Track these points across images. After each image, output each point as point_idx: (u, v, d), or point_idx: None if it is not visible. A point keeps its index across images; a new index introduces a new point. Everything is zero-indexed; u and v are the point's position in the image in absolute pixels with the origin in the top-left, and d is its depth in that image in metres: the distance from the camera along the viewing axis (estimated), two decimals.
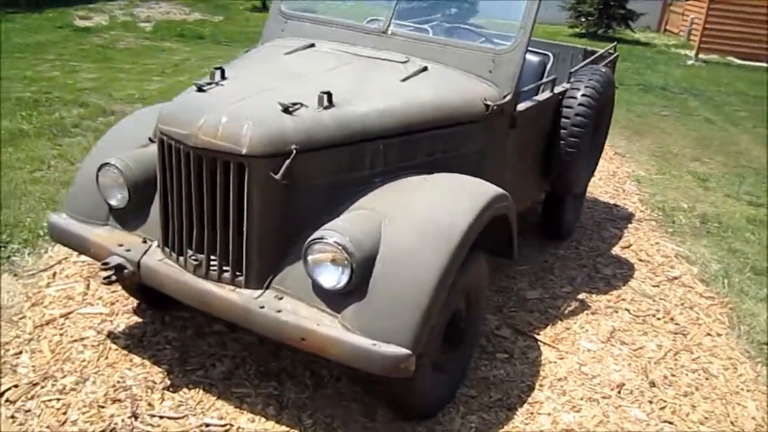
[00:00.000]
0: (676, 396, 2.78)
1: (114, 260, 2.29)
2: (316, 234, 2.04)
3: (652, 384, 2.84)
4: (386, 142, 2.34)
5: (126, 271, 2.28)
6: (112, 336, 2.82)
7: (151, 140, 2.43)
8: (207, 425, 2.35)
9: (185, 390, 2.52)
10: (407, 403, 2.36)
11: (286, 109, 2.13)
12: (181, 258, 2.27)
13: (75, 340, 2.78)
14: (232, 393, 2.52)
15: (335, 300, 2.08)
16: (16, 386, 2.47)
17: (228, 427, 2.35)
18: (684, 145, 7.28)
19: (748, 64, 13.26)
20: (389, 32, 2.96)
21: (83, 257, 3.43)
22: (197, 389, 2.53)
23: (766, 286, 3.89)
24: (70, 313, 2.98)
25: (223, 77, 2.38)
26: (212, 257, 2.21)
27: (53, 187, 4.32)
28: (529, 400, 2.65)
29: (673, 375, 2.93)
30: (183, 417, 2.38)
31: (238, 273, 2.18)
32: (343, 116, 2.24)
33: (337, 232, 2.02)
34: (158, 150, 2.22)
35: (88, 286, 3.21)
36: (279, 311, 2.07)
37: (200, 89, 2.27)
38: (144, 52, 9.50)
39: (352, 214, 2.18)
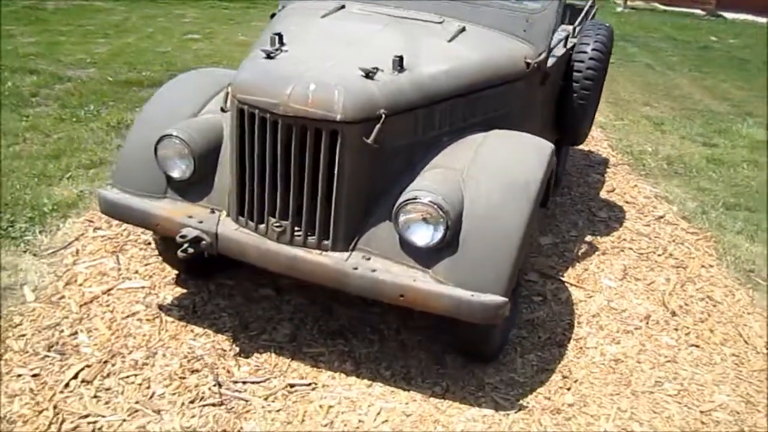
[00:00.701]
0: (695, 322, 3.09)
1: (190, 232, 2.28)
2: (408, 194, 2.12)
3: (673, 313, 3.13)
4: (452, 103, 2.43)
5: (203, 242, 2.29)
6: (164, 309, 2.81)
7: (223, 110, 2.39)
8: (292, 386, 2.42)
9: (257, 355, 2.57)
10: (480, 348, 2.52)
11: (368, 74, 2.17)
12: (261, 226, 2.29)
13: (128, 316, 2.75)
14: (304, 353, 2.60)
15: (424, 256, 2.18)
16: (88, 366, 2.44)
17: (313, 385, 2.43)
18: (632, 91, 7.69)
19: (671, 9, 13.95)
20: None
21: (101, 231, 3.37)
22: (268, 353, 2.59)
23: (740, 220, 4.28)
24: (110, 289, 2.93)
25: (281, 43, 2.36)
26: (296, 224, 2.25)
27: (40, 162, 4.11)
28: (574, 336, 2.88)
29: (686, 304, 3.24)
30: (265, 380, 2.44)
31: (323, 237, 2.23)
32: (418, 79, 2.30)
33: (431, 192, 2.11)
34: (236, 119, 2.20)
35: (118, 260, 3.15)
36: (374, 270, 2.16)
37: (269, 56, 2.26)
38: (77, 12, 8.93)
39: (433, 173, 2.27)
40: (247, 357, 2.56)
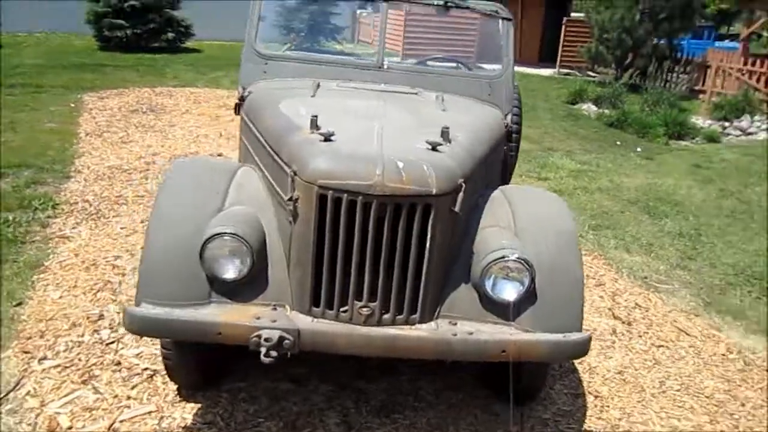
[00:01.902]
0: (647, 327, 3.60)
1: (273, 334, 2.10)
2: (493, 255, 2.23)
3: (629, 324, 3.62)
4: (484, 166, 2.60)
5: (286, 342, 2.12)
6: (192, 431, 2.48)
7: (292, 200, 2.21)
8: None
9: None
10: (538, 386, 2.67)
11: (434, 148, 2.25)
12: (344, 313, 2.19)
13: None
14: None
15: (505, 311, 2.29)
16: None
17: None
18: None
19: None
20: (385, 66, 3.14)
21: (50, 361, 2.87)
22: None
23: (610, 238, 5.06)
24: (112, 424, 2.50)
25: (317, 125, 2.33)
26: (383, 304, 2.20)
27: None
28: (575, 360, 3.17)
29: (629, 314, 3.76)
30: None
31: (411, 312, 2.22)
32: (467, 147, 2.43)
33: (515, 249, 2.24)
34: (316, 206, 2.10)
35: (96, 390, 2.69)
36: (471, 333, 2.21)
37: (327, 139, 2.22)
38: None
39: (491, 231, 2.40)
40: None
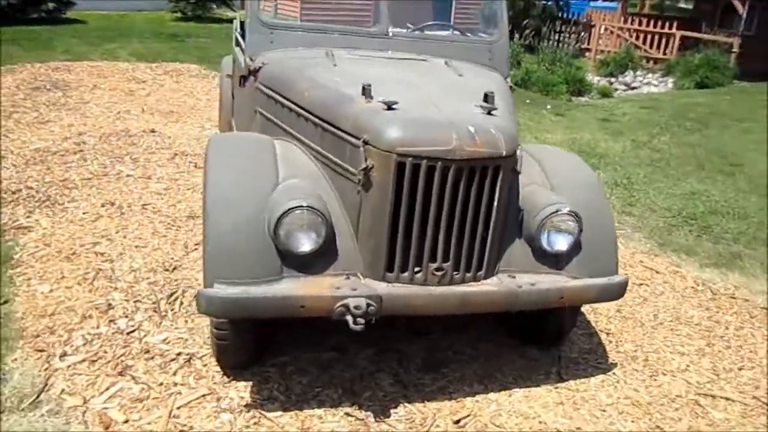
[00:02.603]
0: None
1: (360, 302, 2.14)
2: (548, 209, 2.39)
3: None
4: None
5: (371, 308, 2.17)
6: (255, 407, 2.47)
7: (366, 169, 2.19)
8: (457, 422, 2.46)
9: (395, 411, 2.50)
10: (568, 329, 2.89)
11: (489, 112, 2.35)
12: (418, 275, 2.27)
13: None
14: (429, 392, 2.62)
15: (552, 260, 2.48)
16: None
17: (474, 414, 2.51)
18: None
19: None
20: (390, 34, 3.16)
21: (72, 357, 2.72)
22: (402, 405, 2.54)
23: None
24: (171, 412, 2.43)
25: (369, 92, 2.35)
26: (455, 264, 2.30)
27: None
28: None
29: None
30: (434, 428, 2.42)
31: (478, 269, 2.34)
32: (509, 110, 2.55)
33: (565, 204, 2.41)
34: (394, 173, 2.14)
35: (135, 380, 2.59)
36: (533, 285, 2.37)
37: (390, 108, 2.24)
38: None
39: (534, 188, 2.55)
40: (388, 416, 2.47)
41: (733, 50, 12.60)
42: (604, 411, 2.60)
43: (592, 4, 18.61)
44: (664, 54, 13.43)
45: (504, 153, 2.22)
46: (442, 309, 2.31)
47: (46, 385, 2.54)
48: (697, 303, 3.56)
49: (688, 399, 2.73)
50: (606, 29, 14.08)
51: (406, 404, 2.54)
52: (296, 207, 2.15)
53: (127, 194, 4.47)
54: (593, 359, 2.92)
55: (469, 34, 3.45)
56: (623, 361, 2.93)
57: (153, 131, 6.16)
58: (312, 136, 2.51)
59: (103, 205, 4.27)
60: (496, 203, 2.28)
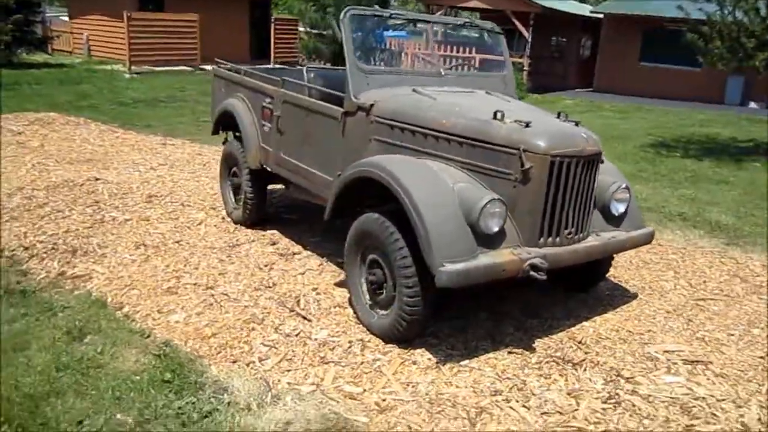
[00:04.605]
0: None
1: (541, 261, 3.04)
2: (616, 184, 3.51)
3: None
4: None
5: (544, 264, 3.08)
6: (448, 358, 3.21)
7: (526, 169, 3.05)
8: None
9: (538, 339, 3.41)
10: (596, 278, 4.03)
11: (576, 123, 3.40)
12: (557, 239, 3.23)
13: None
14: (542, 328, 3.58)
15: (614, 221, 3.61)
16: None
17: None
18: None
19: (172, 69, 15.47)
20: (443, 73, 4.06)
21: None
22: (534, 337, 3.45)
23: None
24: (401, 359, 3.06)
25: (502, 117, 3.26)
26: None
27: None
28: None
29: None
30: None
31: (584, 231, 3.38)
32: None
33: (621, 180, 3.57)
34: (547, 169, 3.07)
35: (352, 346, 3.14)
36: (613, 237, 3.47)
37: (527, 125, 3.18)
38: None
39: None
40: (534, 349, 3.38)
41: (525, 69, 15.31)
42: (652, 317, 3.80)
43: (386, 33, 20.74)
44: None
45: (600, 150, 3.31)
46: (578, 259, 3.27)
47: (268, 384, 2.97)
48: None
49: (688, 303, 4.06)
50: None
51: (537, 338, 3.47)
52: (490, 200, 3.00)
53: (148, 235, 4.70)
54: (608, 300, 4.10)
55: (492, 70, 4.50)
56: (637, 290, 4.19)
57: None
58: (457, 152, 3.32)
59: (137, 247, 4.46)
60: (595, 184, 3.35)
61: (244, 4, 19.41)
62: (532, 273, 3.01)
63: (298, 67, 5.23)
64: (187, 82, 14.43)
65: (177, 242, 4.61)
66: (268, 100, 4.50)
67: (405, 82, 3.87)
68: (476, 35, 4.57)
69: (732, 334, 3.61)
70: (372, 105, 3.62)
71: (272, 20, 18.29)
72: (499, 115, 3.24)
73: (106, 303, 3.64)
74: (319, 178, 4.04)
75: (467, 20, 4.50)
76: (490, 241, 3.05)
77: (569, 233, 3.25)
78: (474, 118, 3.32)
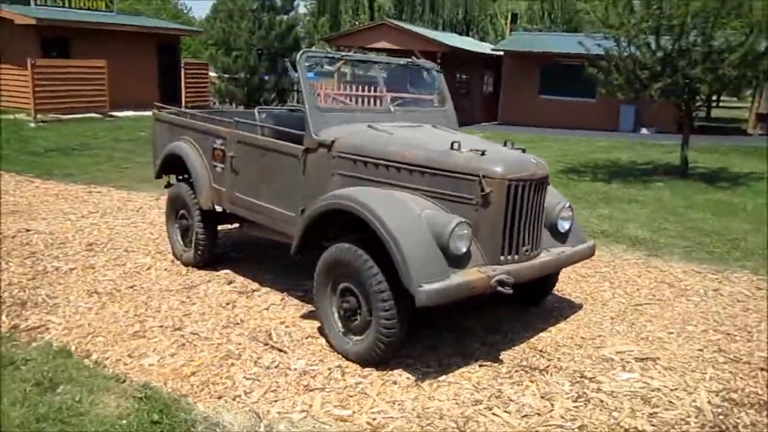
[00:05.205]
0: None
1: (506, 278, 3.29)
2: (561, 204, 3.86)
3: None
4: None
5: (509, 280, 3.34)
6: (426, 375, 3.37)
7: (485, 193, 3.29)
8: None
9: (503, 351, 3.65)
10: (547, 290, 4.35)
11: (523, 150, 3.73)
12: (516, 256, 3.49)
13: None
14: (504, 342, 3.83)
15: (560, 237, 3.95)
16: None
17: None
18: None
19: (81, 116, 14.92)
20: (392, 110, 4.31)
21: None
22: (499, 350, 3.69)
23: None
24: (378, 393, 3.18)
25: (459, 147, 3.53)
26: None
27: None
28: None
29: None
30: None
31: (538, 248, 3.68)
32: None
33: (565, 200, 3.92)
34: (505, 192, 3.34)
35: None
36: (563, 252, 3.80)
37: (483, 154, 3.46)
38: None
39: None
40: (501, 360, 3.61)
41: None
42: (599, 323, 4.15)
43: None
44: None
45: (548, 173, 3.64)
46: (535, 274, 3.54)
47: (258, 415, 3.02)
48: None
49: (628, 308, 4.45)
50: None
51: (502, 351, 3.71)
52: (458, 222, 3.24)
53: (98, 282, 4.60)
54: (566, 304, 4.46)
55: (434, 106, 4.79)
56: (581, 301, 4.55)
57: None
58: (419, 182, 3.53)
59: (90, 295, 4.37)
60: (544, 204, 3.68)
61: (151, 48, 19.19)
62: (499, 288, 3.25)
63: (242, 109, 5.33)
64: (99, 129, 14.03)
65: (131, 287, 4.54)
66: (219, 141, 4.57)
67: (358, 119, 4.09)
68: (418, 74, 4.87)
69: (671, 333, 4.01)
70: (333, 141, 3.80)
71: (182, 65, 18.15)
72: (456, 146, 3.51)
73: (71, 352, 3.55)
74: (279, 214, 4.14)
75: (410, 61, 4.81)
76: (458, 261, 3.28)
77: (526, 250, 3.54)
78: (433, 149, 3.58)
